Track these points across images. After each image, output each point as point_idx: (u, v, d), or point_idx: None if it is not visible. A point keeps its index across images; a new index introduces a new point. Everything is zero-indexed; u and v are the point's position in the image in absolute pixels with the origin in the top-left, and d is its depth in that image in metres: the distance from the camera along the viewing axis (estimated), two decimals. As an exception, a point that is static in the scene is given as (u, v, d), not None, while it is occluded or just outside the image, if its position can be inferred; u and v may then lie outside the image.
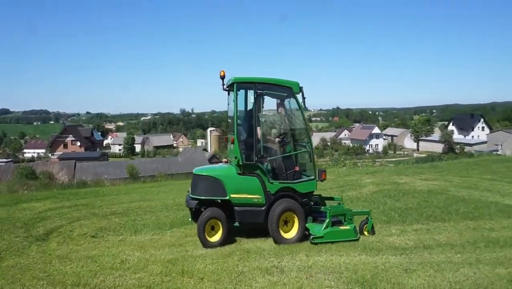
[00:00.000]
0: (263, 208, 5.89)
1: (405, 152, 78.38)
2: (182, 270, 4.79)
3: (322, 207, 6.35)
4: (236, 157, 5.86)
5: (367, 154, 72.45)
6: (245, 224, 6.10)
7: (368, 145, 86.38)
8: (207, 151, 64.50)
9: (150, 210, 8.49)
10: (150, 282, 4.47)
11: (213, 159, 53.36)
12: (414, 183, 11.05)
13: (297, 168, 6.18)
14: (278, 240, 5.82)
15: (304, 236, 5.95)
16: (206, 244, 5.76)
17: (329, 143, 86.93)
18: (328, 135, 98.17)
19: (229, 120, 6.71)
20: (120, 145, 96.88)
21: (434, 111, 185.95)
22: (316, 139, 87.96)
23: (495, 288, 4.21)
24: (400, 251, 5.37)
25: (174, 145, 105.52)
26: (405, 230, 6.42)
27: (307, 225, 6.02)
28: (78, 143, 74.53)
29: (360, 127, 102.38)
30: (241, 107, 6.38)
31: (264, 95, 6.14)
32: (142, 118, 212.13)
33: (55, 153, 67.34)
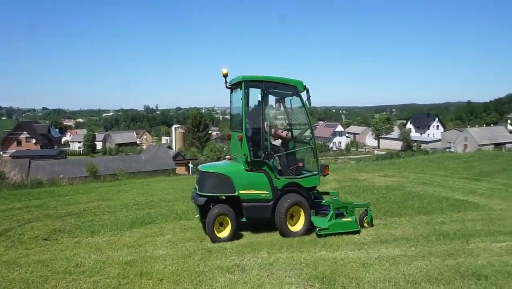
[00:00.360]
0: (270, 203, 6.06)
1: (367, 150, 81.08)
2: (141, 271, 4.65)
3: (324, 201, 6.63)
4: (244, 154, 5.94)
5: (330, 152, 74.23)
6: (252, 219, 6.18)
7: (331, 143, 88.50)
8: (172, 148, 63.38)
9: (109, 210, 8.18)
10: (106, 285, 4.30)
11: (178, 157, 52.57)
12: (374, 179, 11.43)
13: (300, 164, 6.42)
14: (286, 234, 6.00)
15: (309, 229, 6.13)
16: (215, 240, 5.82)
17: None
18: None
19: (231, 117, 6.93)
20: (79, 142, 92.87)
21: (393, 110, 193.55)
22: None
23: (444, 279, 4.42)
24: (358, 246, 5.53)
25: (138, 142, 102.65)
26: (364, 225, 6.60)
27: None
28: (34, 140, 70.44)
29: (324, 125, 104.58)
30: (238, 105, 6.51)
31: (271, 93, 6.31)
32: (104, 115, 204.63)
33: (7, 151, 63.25)
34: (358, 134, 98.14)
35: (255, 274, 4.57)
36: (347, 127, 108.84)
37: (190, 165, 44.00)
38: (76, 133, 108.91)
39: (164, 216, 7.43)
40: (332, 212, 6.12)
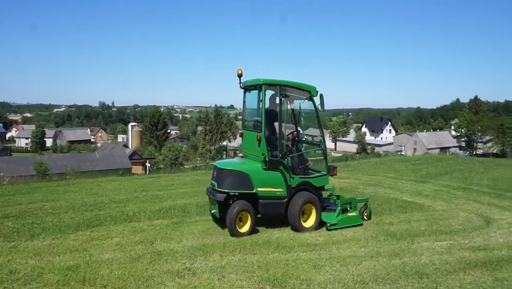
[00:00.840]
0: (284, 201, 6.42)
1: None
2: (83, 277, 4.38)
3: (330, 198, 7.09)
4: (263, 154, 6.22)
5: (289, 153, 75.31)
6: (267, 215, 6.48)
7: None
8: (128, 147, 61.23)
9: (53, 211, 7.65)
10: (43, 293, 3.99)
11: (134, 155, 50.89)
12: (329, 180, 11.67)
13: (308, 164, 6.82)
14: (299, 229, 6.36)
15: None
16: (237, 235, 6.03)
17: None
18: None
19: (244, 117, 7.21)
20: (27, 138, 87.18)
21: (350, 114, 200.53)
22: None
23: (390, 278, 4.57)
24: (311, 247, 5.59)
25: (92, 140, 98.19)
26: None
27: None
28: (-27, 136, 65.14)
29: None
30: (252, 106, 6.97)
31: (287, 96, 6.60)
32: (55, 110, 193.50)
33: None
34: (316, 136, 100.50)
35: (205, 278, 4.46)
36: (306, 129, 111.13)
37: (147, 164, 42.82)
38: (23, 128, 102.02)
39: (114, 218, 7.08)
40: (339, 208, 6.73)
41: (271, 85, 6.51)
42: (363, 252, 5.43)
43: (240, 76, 6.70)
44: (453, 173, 14.39)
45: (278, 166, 6.38)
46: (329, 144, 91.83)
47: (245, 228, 6.17)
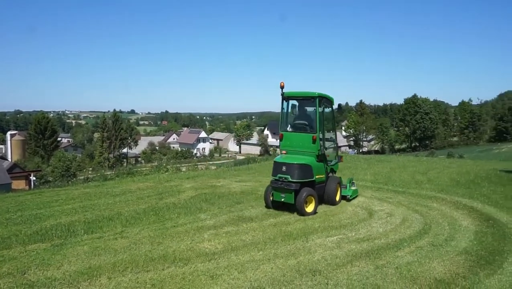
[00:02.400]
0: (324, 184, 8.55)
1: (229, 155, 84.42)
2: None
3: (342, 179, 9.40)
4: (318, 150, 8.17)
5: (194, 158, 74.49)
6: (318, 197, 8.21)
7: (196, 149, 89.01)
8: (6, 159, 53.14)
9: None
10: None
11: (15, 168, 44.35)
12: (230, 185, 11.71)
13: (341, 159, 9.71)
14: (334, 203, 8.61)
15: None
16: (305, 214, 7.71)
17: (157, 147, 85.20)
18: (157, 139, 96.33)
19: (284, 121, 8.78)
20: None
21: (253, 117, 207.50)
22: (144, 143, 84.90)
23: (286, 280, 4.67)
24: (209, 256, 5.41)
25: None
26: (217, 233, 6.56)
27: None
28: None
29: (188, 131, 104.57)
30: (297, 112, 9.00)
31: (325, 106, 8.56)
32: None
33: None
34: (221, 140, 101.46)
35: (88, 306, 3.95)
36: (211, 133, 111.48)
37: (32, 178, 37.74)
38: None
39: (-26, 247, 5.89)
40: (349, 184, 9.30)
41: (322, 97, 8.38)
42: (261, 256, 5.46)
43: (282, 88, 8.38)
44: (343, 170, 15.67)
45: (322, 158, 8.35)
46: (234, 147, 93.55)
47: (310, 208, 7.86)
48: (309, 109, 8.70)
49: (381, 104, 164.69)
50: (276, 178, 7.99)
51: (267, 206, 8.38)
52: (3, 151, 69.26)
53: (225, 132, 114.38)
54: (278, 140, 8.87)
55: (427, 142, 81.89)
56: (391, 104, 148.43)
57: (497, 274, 4.83)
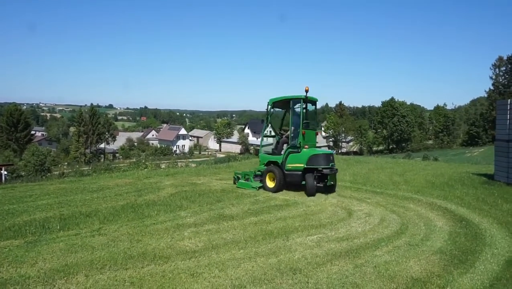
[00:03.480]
0: None
1: (209, 152, 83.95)
2: None
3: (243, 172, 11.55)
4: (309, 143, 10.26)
5: (174, 155, 73.65)
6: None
7: (175, 146, 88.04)
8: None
9: None
10: None
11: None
12: (211, 183, 11.65)
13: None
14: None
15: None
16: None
17: (136, 144, 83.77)
18: (135, 135, 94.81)
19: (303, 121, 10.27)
20: None
21: (234, 115, 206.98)
22: (122, 139, 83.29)
23: (267, 278, 4.68)
24: (190, 254, 5.37)
25: None
26: (197, 231, 6.51)
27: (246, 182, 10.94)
28: None
29: (168, 128, 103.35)
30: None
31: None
32: None
33: None
34: (201, 137, 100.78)
35: (64, 305, 3.84)
36: (191, 130, 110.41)
37: (3, 172, 36.29)
38: None
39: None
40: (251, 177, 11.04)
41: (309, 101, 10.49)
42: (242, 254, 5.46)
43: (307, 91, 10.04)
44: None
45: None
46: (215, 145, 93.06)
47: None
48: (308, 109, 10.62)
49: (360, 106, 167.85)
50: (329, 166, 9.93)
51: (312, 194, 9.75)
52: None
53: (206, 129, 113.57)
54: (291, 137, 10.46)
55: (403, 144, 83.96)
56: (369, 106, 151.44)
57: (470, 273, 5.00)
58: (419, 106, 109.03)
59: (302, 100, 10.18)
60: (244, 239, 6.12)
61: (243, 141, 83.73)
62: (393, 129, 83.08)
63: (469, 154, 52.80)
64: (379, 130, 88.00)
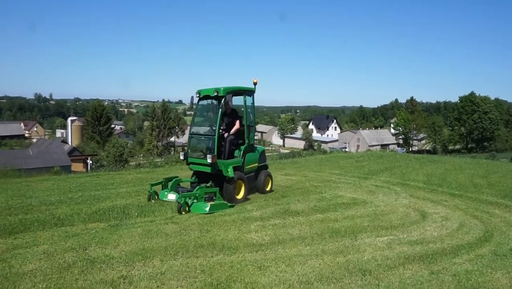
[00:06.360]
0: None
1: (273, 148, 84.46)
2: (-1, 293, 3.84)
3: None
4: None
5: (239, 149, 75.30)
6: None
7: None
8: (67, 143, 57.25)
9: (-31, 217, 6.75)
10: None
11: (75, 152, 47.63)
12: (276, 178, 11.67)
13: None
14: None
15: None
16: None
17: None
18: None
19: None
20: None
21: (298, 111, 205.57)
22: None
23: (335, 277, 4.57)
24: (257, 247, 5.45)
25: (26, 135, 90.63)
26: (264, 225, 6.59)
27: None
28: None
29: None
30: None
31: None
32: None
33: None
34: (265, 132, 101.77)
35: (143, 286, 4.13)
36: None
37: (89, 162, 40.29)
38: None
39: (42, 222, 6.39)
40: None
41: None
42: (308, 251, 5.40)
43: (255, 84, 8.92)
44: (393, 169, 15.15)
45: None
46: (278, 141, 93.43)
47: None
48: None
49: (433, 101, 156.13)
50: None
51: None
52: (64, 136, 74.62)
53: (269, 125, 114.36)
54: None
55: (485, 144, 76.42)
56: (445, 102, 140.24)
57: None
58: (506, 101, 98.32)
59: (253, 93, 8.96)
60: (310, 236, 6.04)
61: (307, 137, 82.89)
62: (472, 127, 76.00)
63: None
64: (456, 128, 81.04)
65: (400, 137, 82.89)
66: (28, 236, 5.75)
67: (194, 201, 7.41)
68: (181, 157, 8.61)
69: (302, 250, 5.41)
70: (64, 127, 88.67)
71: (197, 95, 8.46)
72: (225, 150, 8.25)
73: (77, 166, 38.61)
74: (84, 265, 4.61)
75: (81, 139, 65.35)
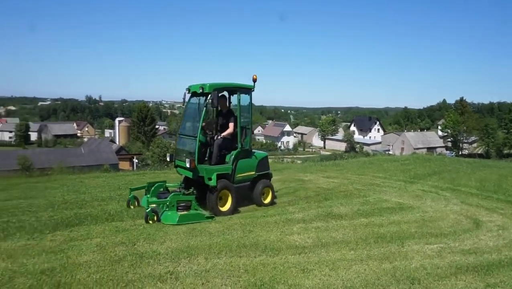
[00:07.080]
0: None
1: (313, 150, 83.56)
2: (58, 282, 4.12)
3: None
4: None
5: (279, 151, 75.38)
6: None
7: (280, 142, 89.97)
8: (115, 142, 60.30)
9: (30, 209, 7.31)
10: (12, 300, 3.71)
11: (122, 151, 50.09)
12: (317, 180, 11.55)
13: None
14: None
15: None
16: None
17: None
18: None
19: None
20: (11, 132, 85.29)
21: (339, 112, 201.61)
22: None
23: (381, 283, 4.42)
24: (299, 250, 5.40)
25: (78, 134, 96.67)
26: (306, 227, 6.52)
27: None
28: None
29: (273, 124, 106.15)
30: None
31: None
32: (40, 103, 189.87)
33: None
34: (306, 134, 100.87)
35: (189, 282, 4.24)
36: (295, 127, 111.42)
37: (135, 160, 42.18)
38: (6, 121, 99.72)
39: (95, 217, 6.78)
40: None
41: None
42: (352, 255, 5.27)
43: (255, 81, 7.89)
44: (441, 173, 14.39)
45: None
46: (319, 142, 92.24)
47: None
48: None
49: (486, 102, 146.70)
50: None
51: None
52: (112, 135, 78.67)
53: (310, 126, 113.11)
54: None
55: (546, 148, 70.49)
56: (499, 103, 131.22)
57: None
58: None
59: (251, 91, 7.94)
60: (354, 240, 5.89)
61: (348, 139, 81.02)
62: (531, 130, 70.35)
63: None
64: (511, 130, 75.45)
65: (449, 140, 78.56)
66: (82, 229, 6.13)
67: (166, 209, 6.61)
68: (167, 159, 7.96)
69: (346, 255, 5.29)
70: (112, 127, 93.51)
71: (187, 92, 7.72)
72: (213, 155, 7.45)
73: (124, 165, 40.56)
74: (133, 259, 4.82)
75: (128, 139, 68.54)
